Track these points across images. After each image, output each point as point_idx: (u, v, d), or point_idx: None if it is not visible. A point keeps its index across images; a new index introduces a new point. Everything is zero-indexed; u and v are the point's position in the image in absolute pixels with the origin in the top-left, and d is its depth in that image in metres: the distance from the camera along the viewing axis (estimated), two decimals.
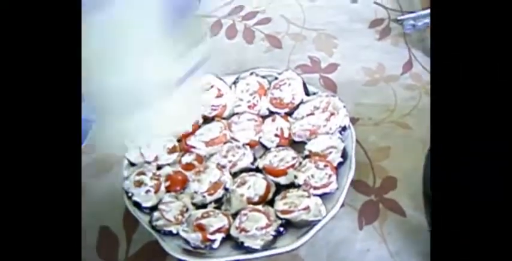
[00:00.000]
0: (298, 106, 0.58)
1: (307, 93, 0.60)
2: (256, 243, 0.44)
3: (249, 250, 0.44)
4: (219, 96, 0.61)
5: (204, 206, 0.50)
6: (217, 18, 0.87)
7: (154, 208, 0.49)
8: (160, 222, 0.47)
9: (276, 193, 0.50)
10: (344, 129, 0.54)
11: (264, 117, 0.59)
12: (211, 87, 0.62)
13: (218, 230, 0.45)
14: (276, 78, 0.62)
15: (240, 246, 0.44)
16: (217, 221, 0.46)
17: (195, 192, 0.50)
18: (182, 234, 0.45)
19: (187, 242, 0.45)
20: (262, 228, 0.45)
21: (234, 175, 0.52)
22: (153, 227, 0.47)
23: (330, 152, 0.51)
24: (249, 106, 0.60)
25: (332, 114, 0.55)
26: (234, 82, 0.63)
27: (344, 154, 0.51)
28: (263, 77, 0.62)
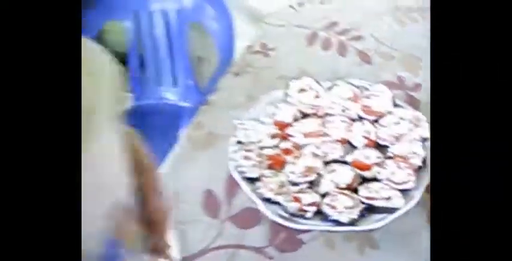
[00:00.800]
0: (385, 115, 0.67)
1: (394, 105, 0.68)
2: (343, 218, 0.53)
3: (336, 223, 0.53)
4: (317, 97, 0.71)
5: (296, 184, 0.60)
6: (314, 30, 0.97)
7: (256, 179, 0.59)
8: (262, 190, 0.57)
9: (360, 184, 0.59)
10: (425, 140, 0.63)
11: (354, 120, 0.68)
12: (310, 88, 0.72)
13: (311, 204, 0.55)
14: (367, 89, 0.71)
15: (328, 219, 0.54)
16: (311, 196, 0.56)
17: (291, 172, 0.60)
18: (283, 202, 0.55)
19: (285, 209, 0.55)
20: (348, 208, 0.54)
21: (325, 163, 0.62)
22: (256, 194, 0.57)
23: (412, 157, 0.60)
24: (342, 110, 0.69)
25: (416, 126, 0.64)
26: (330, 87, 0.72)
27: (424, 161, 0.59)
28: (356, 87, 0.72)
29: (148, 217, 0.30)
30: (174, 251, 0.47)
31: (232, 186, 0.62)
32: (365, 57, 0.87)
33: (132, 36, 1.36)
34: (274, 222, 0.56)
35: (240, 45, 1.04)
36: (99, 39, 1.49)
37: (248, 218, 0.59)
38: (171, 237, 0.33)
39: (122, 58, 1.48)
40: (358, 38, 0.92)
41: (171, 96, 1.39)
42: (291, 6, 1.08)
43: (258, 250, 0.55)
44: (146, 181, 0.31)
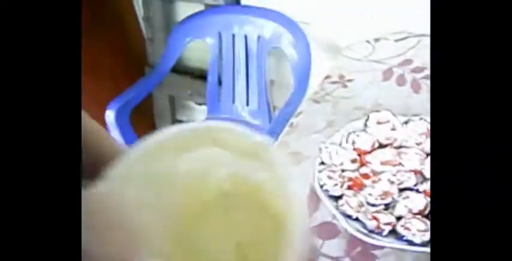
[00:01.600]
0: None
1: None
2: (416, 239, 0.61)
3: (409, 243, 0.61)
4: (393, 129, 0.79)
5: (373, 205, 0.67)
6: (389, 66, 1.05)
7: (339, 197, 0.68)
8: (344, 208, 0.66)
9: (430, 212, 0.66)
10: None
11: (427, 154, 0.76)
12: (387, 121, 0.80)
13: (388, 223, 0.63)
14: None
15: (402, 239, 0.61)
16: (387, 217, 0.64)
17: (369, 194, 0.68)
18: (363, 219, 0.63)
19: (364, 226, 0.63)
20: (421, 230, 0.61)
21: (400, 190, 0.69)
22: (338, 210, 0.65)
23: None
24: (416, 143, 0.77)
25: None
26: (406, 122, 0.80)
27: None
28: (430, 123, 0.79)
29: None
30: None
31: (313, 202, 0.70)
32: None
33: (214, 55, 1.48)
34: (352, 237, 0.64)
35: (318, 74, 1.13)
36: (183, 55, 1.63)
37: (327, 230, 0.67)
38: None
39: (202, 74, 1.61)
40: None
41: (243, 113, 1.51)
42: (367, 41, 1.17)
43: (335, 259, 0.63)
44: None
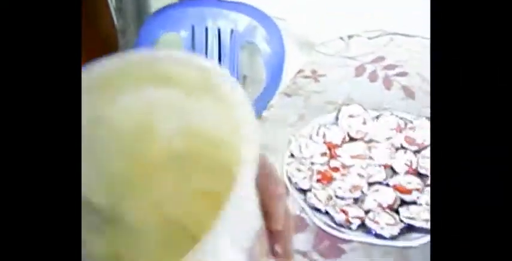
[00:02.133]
0: (427, 147, 0.74)
1: None
2: (384, 233, 0.59)
3: (378, 237, 0.59)
4: (364, 123, 0.78)
5: (342, 199, 0.66)
6: (362, 62, 1.05)
7: (307, 190, 0.66)
8: (312, 201, 0.64)
9: (400, 206, 0.65)
10: None
11: (397, 149, 0.75)
12: (358, 115, 0.79)
13: (356, 217, 0.61)
14: (411, 122, 0.78)
15: (370, 233, 0.60)
16: (356, 210, 0.62)
17: (339, 188, 0.67)
18: (331, 212, 0.62)
19: (333, 219, 0.61)
20: (390, 224, 0.60)
21: (369, 184, 0.68)
22: (306, 203, 0.64)
23: None
24: (387, 138, 0.76)
25: None
26: (377, 117, 0.79)
27: None
28: (401, 118, 0.79)
29: (272, 227, 0.28)
30: None
31: None
32: (409, 92, 0.94)
33: (187, 48, 1.45)
34: (320, 230, 0.62)
35: (291, 69, 1.12)
36: (154, 48, 1.59)
37: (295, 224, 0.65)
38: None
39: None
40: (403, 74, 1.00)
41: None
42: (341, 38, 1.16)
43: (303, 253, 0.62)
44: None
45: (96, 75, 0.24)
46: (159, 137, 0.27)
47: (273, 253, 0.29)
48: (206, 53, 1.44)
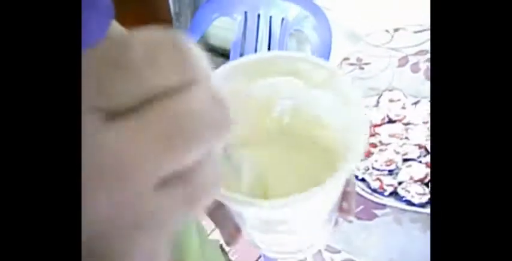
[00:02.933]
0: None
1: None
2: (414, 200, 0.67)
3: (408, 203, 0.67)
4: (403, 108, 0.85)
5: (378, 170, 0.74)
6: (405, 54, 1.11)
7: None
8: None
9: (429, 181, 0.73)
10: None
11: None
12: (399, 100, 0.86)
13: (390, 185, 0.69)
14: None
15: (402, 200, 0.68)
16: (390, 180, 0.70)
17: (376, 161, 0.75)
18: (368, 179, 0.70)
19: (368, 186, 0.69)
20: (419, 194, 0.68)
21: (404, 160, 0.76)
22: None
23: None
24: (423, 122, 0.83)
25: None
26: (416, 103, 0.86)
27: None
28: None
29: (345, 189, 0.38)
30: None
31: None
32: None
33: (238, 33, 1.54)
34: (357, 195, 0.70)
35: (338, 56, 1.19)
36: (207, 33, 1.68)
37: None
38: None
39: (224, 53, 1.67)
40: None
41: None
42: (386, 31, 1.22)
43: None
44: None
45: (246, 62, 0.33)
46: (275, 112, 0.36)
47: (341, 209, 0.38)
48: (257, 39, 1.53)
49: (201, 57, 0.17)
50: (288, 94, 0.36)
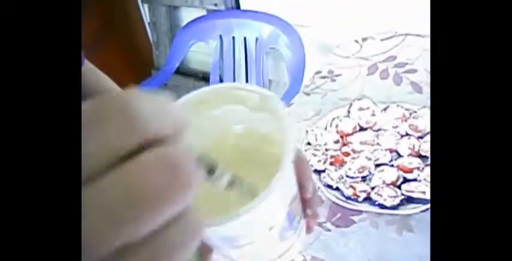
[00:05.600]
0: (428, 133, 0.84)
1: None
2: (387, 203, 0.70)
3: (381, 207, 0.70)
4: (373, 115, 0.89)
5: (352, 177, 0.77)
6: (374, 62, 1.15)
7: (322, 171, 0.77)
8: (326, 179, 0.75)
9: (402, 183, 0.76)
10: None
11: (402, 136, 0.85)
12: (368, 108, 0.90)
13: (363, 191, 0.72)
14: (415, 112, 0.88)
15: (375, 204, 0.71)
16: (363, 186, 0.73)
17: (349, 169, 0.78)
18: (341, 188, 0.73)
19: (343, 194, 0.72)
20: (391, 197, 0.71)
21: (376, 165, 0.79)
22: (321, 181, 0.75)
23: None
24: (393, 126, 0.86)
25: None
26: (385, 109, 0.90)
27: None
28: (406, 109, 0.89)
29: (305, 196, 0.40)
30: None
31: None
32: (417, 87, 1.04)
33: (215, 57, 1.59)
34: (333, 204, 0.73)
35: (310, 70, 1.23)
36: (186, 58, 1.73)
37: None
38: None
39: (205, 76, 1.72)
40: (413, 71, 1.09)
41: None
42: (355, 41, 1.27)
43: (319, 224, 0.73)
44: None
45: (192, 97, 0.36)
46: (232, 139, 0.39)
47: (305, 215, 0.42)
48: (234, 60, 1.57)
49: (156, 114, 0.17)
50: (238, 120, 0.39)
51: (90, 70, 0.55)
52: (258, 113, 0.38)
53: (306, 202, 0.41)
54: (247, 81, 1.57)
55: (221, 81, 1.62)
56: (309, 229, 0.43)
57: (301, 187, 0.39)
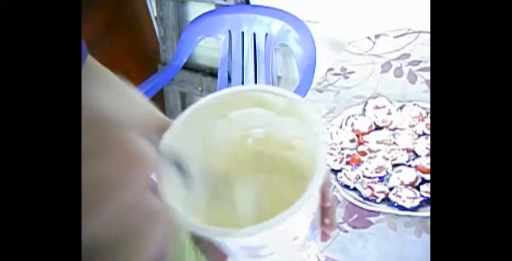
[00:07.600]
0: None
1: None
2: (406, 205, 0.68)
3: (400, 208, 0.68)
4: (389, 113, 0.87)
5: (369, 178, 0.75)
6: (388, 59, 1.13)
7: (339, 171, 0.75)
8: (342, 179, 0.73)
9: (420, 184, 0.74)
10: None
11: (419, 135, 0.83)
12: (384, 106, 0.88)
13: (381, 192, 0.70)
14: None
15: (393, 205, 0.69)
16: (381, 187, 0.71)
17: (366, 168, 0.76)
18: (359, 188, 0.71)
19: (360, 194, 0.71)
20: (410, 198, 0.69)
21: (394, 166, 0.77)
22: (338, 181, 0.73)
23: None
24: (409, 126, 0.85)
25: None
26: (401, 107, 0.88)
27: None
28: (423, 108, 0.87)
29: (324, 205, 0.39)
30: None
31: None
32: None
33: (224, 52, 1.56)
34: (350, 205, 0.72)
35: (322, 67, 1.21)
36: (194, 53, 1.71)
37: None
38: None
39: (212, 72, 1.70)
40: (427, 69, 1.07)
41: None
42: (368, 38, 1.25)
43: (336, 225, 0.71)
44: None
45: (216, 98, 0.35)
46: (249, 142, 0.37)
47: (323, 224, 0.40)
48: (243, 56, 1.55)
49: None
50: (260, 124, 0.38)
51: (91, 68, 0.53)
52: (284, 117, 0.36)
53: (325, 211, 0.40)
54: (255, 77, 1.55)
55: (229, 77, 1.60)
56: (325, 236, 0.42)
57: (322, 196, 0.38)
